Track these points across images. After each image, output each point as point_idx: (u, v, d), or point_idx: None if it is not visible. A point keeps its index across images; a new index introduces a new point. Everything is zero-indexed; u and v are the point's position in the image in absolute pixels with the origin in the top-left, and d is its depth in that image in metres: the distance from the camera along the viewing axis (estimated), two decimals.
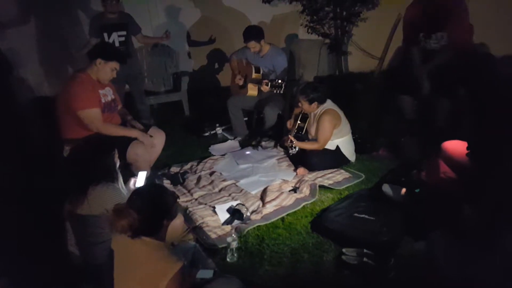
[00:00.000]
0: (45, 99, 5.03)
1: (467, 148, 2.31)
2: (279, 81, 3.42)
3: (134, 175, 2.42)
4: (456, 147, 2.43)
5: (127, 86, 4.13)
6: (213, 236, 2.40)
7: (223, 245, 2.29)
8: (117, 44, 3.95)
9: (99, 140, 2.33)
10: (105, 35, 3.93)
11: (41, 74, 5.30)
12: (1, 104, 3.71)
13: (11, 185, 2.86)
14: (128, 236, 1.49)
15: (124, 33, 3.99)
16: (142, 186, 2.06)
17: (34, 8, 5.02)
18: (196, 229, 2.45)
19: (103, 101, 2.71)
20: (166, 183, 3.07)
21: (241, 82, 3.83)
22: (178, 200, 1.83)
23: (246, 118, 4.01)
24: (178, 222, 2.13)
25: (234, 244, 2.21)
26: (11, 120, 3.69)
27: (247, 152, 3.56)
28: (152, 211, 1.50)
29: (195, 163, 3.43)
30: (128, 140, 2.71)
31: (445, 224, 2.19)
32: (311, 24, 4.99)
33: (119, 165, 2.00)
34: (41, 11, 5.03)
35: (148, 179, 2.41)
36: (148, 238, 1.50)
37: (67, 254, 1.95)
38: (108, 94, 2.78)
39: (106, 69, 2.66)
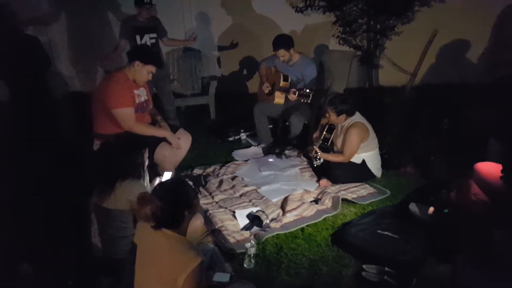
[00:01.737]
0: (76, 94, 5.26)
1: (502, 171, 2.24)
2: (307, 90, 3.41)
3: (159, 174, 2.48)
4: (489, 169, 2.37)
5: (154, 89, 4.24)
6: (232, 240, 2.42)
7: (241, 251, 2.30)
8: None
9: (131, 137, 2.39)
10: (137, 37, 4.06)
11: (73, 69, 5.53)
12: (39, 95, 3.91)
13: (40, 174, 2.99)
14: (151, 227, 1.55)
15: (154, 35, 4.14)
16: (165, 180, 2.13)
17: (67, 7, 5.25)
18: (215, 232, 2.47)
19: (137, 101, 2.80)
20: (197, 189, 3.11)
21: (267, 90, 3.86)
22: (198, 194, 1.90)
23: (271, 126, 4.02)
24: (198, 223, 2.18)
25: (252, 251, 2.21)
26: (45, 111, 3.88)
27: (270, 160, 3.56)
28: (174, 199, 1.57)
29: (218, 167, 3.47)
30: (157, 141, 2.78)
31: (473, 248, 2.13)
32: (343, 36, 4.97)
33: (147, 164, 2.06)
34: (74, 10, 5.25)
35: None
36: (170, 231, 1.54)
37: (90, 246, 2.01)
38: (142, 94, 2.87)
39: (143, 72, 2.75)
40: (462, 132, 3.53)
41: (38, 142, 3.44)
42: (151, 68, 2.78)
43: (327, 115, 3.16)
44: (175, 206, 1.57)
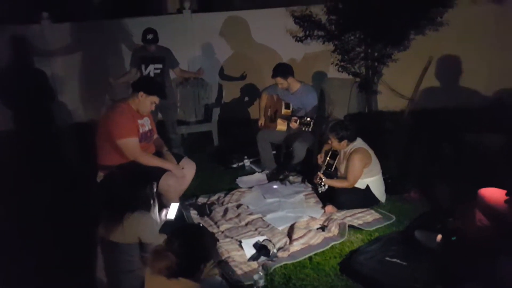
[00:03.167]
0: (81, 125, 5.24)
1: (506, 195, 2.19)
2: (308, 119, 3.41)
3: (164, 205, 2.40)
4: (493, 194, 2.31)
5: (160, 115, 4.23)
6: (239, 272, 2.31)
7: (249, 283, 2.20)
8: (152, 75, 4.14)
9: (136, 168, 2.33)
10: (143, 66, 4.14)
11: (79, 100, 5.53)
12: (41, 127, 3.88)
13: (44, 206, 2.91)
14: (164, 276, 1.45)
15: (160, 66, 4.18)
16: (182, 227, 1.98)
17: (78, 38, 5.31)
18: (221, 264, 2.37)
19: (141, 131, 2.76)
20: (193, 213, 3.03)
21: (262, 121, 3.89)
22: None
23: (274, 152, 3.98)
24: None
25: (261, 283, 2.11)
26: (48, 143, 3.83)
27: (275, 186, 3.49)
28: (191, 255, 1.47)
29: (223, 195, 3.39)
30: (161, 171, 2.72)
31: (481, 275, 2.05)
32: (342, 63, 5.01)
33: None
34: (84, 41, 5.31)
35: (178, 210, 2.38)
36: (184, 279, 1.45)
37: (94, 281, 1.91)
38: (146, 124, 2.84)
39: (147, 102, 2.74)
40: (462, 156, 3.50)
41: (41, 174, 3.38)
42: (155, 99, 2.77)
43: (329, 141, 3.13)
44: (192, 260, 1.47)
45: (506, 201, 2.16)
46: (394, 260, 2.35)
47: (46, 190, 3.19)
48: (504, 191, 2.21)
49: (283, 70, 3.72)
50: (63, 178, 3.50)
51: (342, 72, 5.02)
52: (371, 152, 3.09)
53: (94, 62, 5.34)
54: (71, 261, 2.30)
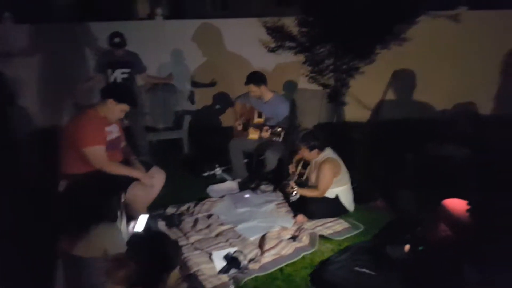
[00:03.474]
0: (43, 131, 4.94)
1: (468, 205, 2.25)
2: (279, 129, 3.40)
3: (131, 215, 2.27)
4: (456, 205, 2.36)
5: (125, 122, 4.07)
6: (209, 286, 2.23)
7: None
8: (119, 80, 3.99)
9: (102, 177, 2.20)
10: (109, 71, 3.99)
11: (40, 105, 5.22)
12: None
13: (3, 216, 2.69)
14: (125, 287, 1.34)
15: (127, 70, 4.04)
16: (142, 234, 1.89)
17: (41, 40, 5.04)
18: (191, 277, 2.27)
19: (108, 138, 2.63)
20: (161, 224, 2.90)
21: (240, 128, 3.81)
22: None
23: (246, 160, 3.93)
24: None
25: None
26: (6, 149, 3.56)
27: (246, 196, 3.44)
28: (152, 263, 1.36)
29: (193, 205, 3.28)
30: (128, 180, 2.59)
31: (446, 284, 2.09)
32: (312, 75, 5.09)
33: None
34: (48, 44, 5.04)
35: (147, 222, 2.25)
36: None
37: None
38: (113, 131, 2.71)
39: (116, 110, 2.63)
40: (425, 166, 3.60)
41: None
42: (125, 107, 2.66)
43: (300, 151, 3.13)
44: (153, 269, 1.37)
45: (467, 211, 2.22)
46: (364, 270, 2.37)
47: (2, 200, 2.95)
48: (466, 202, 2.27)
49: (256, 78, 3.71)
50: (21, 187, 3.25)
51: (312, 83, 5.10)
52: (340, 162, 3.13)
53: (58, 66, 5.07)
54: (30, 277, 2.11)
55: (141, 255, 1.35)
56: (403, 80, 5.51)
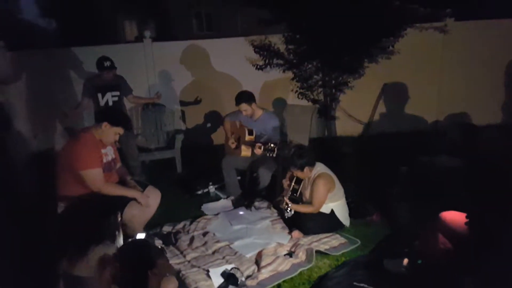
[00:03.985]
0: (37, 155, 4.95)
1: (466, 217, 2.30)
2: (272, 145, 3.45)
3: (128, 235, 2.32)
4: (454, 217, 2.39)
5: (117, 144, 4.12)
6: None
7: None
8: (110, 103, 4.09)
9: (101, 199, 2.25)
10: (99, 95, 4.08)
11: (33, 129, 5.25)
12: None
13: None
14: None
15: (117, 93, 4.16)
16: (130, 241, 1.99)
17: (31, 66, 5.11)
18: None
19: (104, 160, 2.71)
20: (158, 243, 2.92)
21: (233, 146, 3.89)
22: (164, 252, 1.75)
23: (239, 177, 3.99)
24: (172, 287, 2.02)
25: None
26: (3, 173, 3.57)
27: (241, 212, 3.49)
28: (133, 259, 1.49)
29: (188, 223, 3.33)
30: (125, 200, 2.64)
31: None
32: (301, 90, 5.21)
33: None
34: (37, 69, 5.12)
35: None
36: None
37: None
38: (109, 153, 2.79)
39: (110, 133, 2.71)
40: (421, 179, 3.66)
41: None
42: (119, 130, 2.74)
43: (294, 174, 3.17)
44: (134, 266, 1.48)
45: (466, 224, 2.26)
46: (362, 285, 2.39)
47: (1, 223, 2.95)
48: (464, 214, 2.32)
49: (247, 97, 3.78)
50: (20, 210, 3.26)
51: (301, 98, 5.22)
52: (334, 177, 3.17)
53: (49, 90, 5.14)
54: None
55: (123, 254, 1.49)
56: (393, 92, 5.65)
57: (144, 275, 1.47)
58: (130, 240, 2.05)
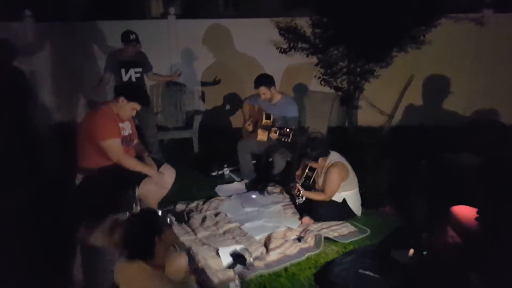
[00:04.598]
0: (59, 126, 5.22)
1: (477, 213, 2.34)
2: (287, 130, 3.49)
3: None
4: (465, 212, 2.44)
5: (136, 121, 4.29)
6: (215, 279, 2.40)
7: None
8: (133, 79, 4.21)
9: (118, 172, 2.39)
10: (123, 71, 4.19)
11: (57, 101, 5.52)
12: (19, 127, 3.87)
13: (21, 208, 2.92)
14: (126, 260, 1.58)
15: (140, 70, 4.28)
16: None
17: (53, 37, 5.30)
18: (198, 271, 2.45)
19: (122, 134, 2.83)
20: (170, 218, 3.08)
21: (250, 128, 3.96)
22: (171, 221, 1.88)
23: (254, 161, 4.09)
24: (182, 262, 2.16)
25: None
26: (25, 144, 3.83)
27: (253, 196, 3.61)
28: (141, 223, 1.63)
29: (201, 202, 3.48)
30: (141, 176, 2.78)
31: None
32: (325, 77, 5.19)
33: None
34: (59, 41, 5.31)
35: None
36: (145, 264, 1.56)
37: (72, 281, 1.96)
38: (126, 128, 2.92)
39: (127, 108, 2.83)
40: (439, 174, 3.67)
41: (18, 175, 3.38)
42: (136, 106, 2.85)
43: (308, 164, 3.22)
44: (142, 231, 1.61)
45: (476, 219, 2.30)
46: (367, 272, 2.46)
47: (23, 193, 3.20)
48: (475, 209, 2.35)
49: (266, 80, 3.83)
50: (40, 180, 3.50)
51: (324, 85, 5.20)
52: (348, 166, 3.21)
53: (74, 62, 5.34)
54: (51, 262, 2.32)
55: (133, 219, 1.63)
56: (421, 84, 5.55)
57: (151, 242, 1.60)
58: (143, 211, 2.19)
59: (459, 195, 2.71)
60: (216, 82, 5.50)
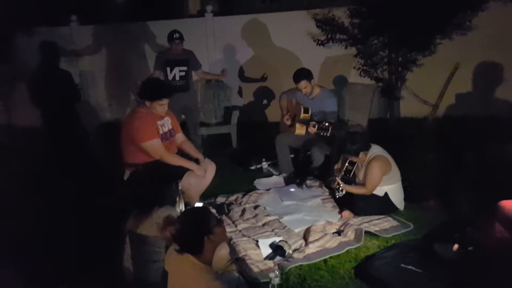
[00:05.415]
0: (107, 124, 5.58)
1: None
2: (326, 124, 3.49)
3: (186, 203, 2.61)
4: None
5: (183, 116, 4.47)
6: (255, 269, 2.49)
7: (265, 280, 2.36)
8: (177, 78, 4.41)
9: (161, 167, 2.54)
10: (168, 69, 4.41)
11: (104, 100, 5.88)
12: (68, 126, 4.19)
13: (73, 202, 3.19)
14: (176, 252, 1.68)
15: (185, 68, 4.45)
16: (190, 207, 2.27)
17: (105, 39, 5.64)
18: (238, 261, 2.55)
19: (160, 132, 2.99)
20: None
21: (288, 123, 4.00)
22: (220, 225, 1.98)
23: (292, 155, 4.13)
24: (223, 252, 2.27)
25: (276, 281, 2.26)
26: (75, 142, 4.14)
27: (292, 189, 3.66)
28: (193, 223, 1.72)
29: (240, 195, 3.59)
30: (183, 170, 2.92)
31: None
32: (365, 68, 5.12)
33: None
34: (111, 43, 5.63)
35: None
36: (194, 258, 1.66)
37: (122, 270, 2.13)
38: (166, 124, 3.07)
39: (155, 107, 2.95)
40: (487, 167, 3.54)
41: (69, 172, 3.69)
42: (160, 103, 2.94)
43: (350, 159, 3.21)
44: (193, 230, 1.70)
45: None
46: (410, 267, 2.44)
47: (72, 188, 3.49)
48: None
49: (306, 74, 3.83)
50: (90, 175, 3.79)
51: (364, 76, 5.13)
52: (390, 159, 3.17)
53: (119, 63, 5.67)
54: (101, 252, 2.52)
55: (185, 218, 1.74)
56: (467, 73, 5.32)
57: (201, 240, 1.69)
58: (192, 206, 2.32)
59: (508, 189, 2.62)
60: (264, 79, 5.60)
